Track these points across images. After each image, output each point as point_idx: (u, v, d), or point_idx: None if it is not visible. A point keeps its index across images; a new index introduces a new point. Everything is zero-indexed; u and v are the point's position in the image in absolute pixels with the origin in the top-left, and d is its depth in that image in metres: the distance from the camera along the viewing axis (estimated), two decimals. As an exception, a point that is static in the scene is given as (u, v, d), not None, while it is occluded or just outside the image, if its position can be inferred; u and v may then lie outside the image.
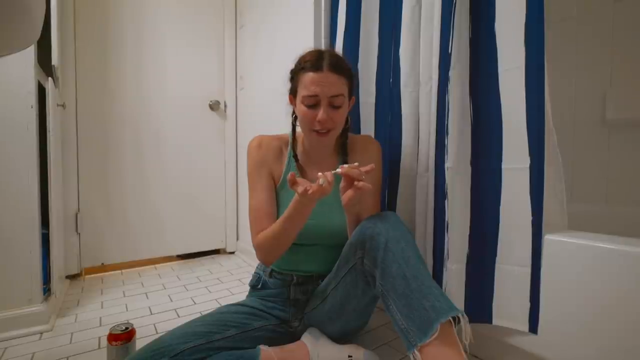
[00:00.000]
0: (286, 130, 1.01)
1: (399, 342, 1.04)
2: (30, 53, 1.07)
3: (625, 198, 1.33)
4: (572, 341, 0.73)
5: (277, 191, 0.96)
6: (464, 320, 0.65)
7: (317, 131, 0.86)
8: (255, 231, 0.90)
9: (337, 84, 0.84)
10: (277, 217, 0.93)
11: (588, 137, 1.43)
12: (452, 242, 0.86)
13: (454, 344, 0.63)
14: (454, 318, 0.64)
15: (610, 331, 0.68)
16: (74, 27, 1.62)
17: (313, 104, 0.85)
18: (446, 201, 0.86)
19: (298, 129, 0.95)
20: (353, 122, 1.20)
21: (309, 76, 0.84)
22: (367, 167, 0.75)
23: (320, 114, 0.83)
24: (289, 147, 0.98)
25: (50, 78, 1.23)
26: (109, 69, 1.72)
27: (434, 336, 0.62)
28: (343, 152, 0.97)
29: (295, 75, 0.89)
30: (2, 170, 1.05)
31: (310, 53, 0.87)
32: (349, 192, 0.75)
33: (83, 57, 1.65)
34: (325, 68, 0.83)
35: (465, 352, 0.64)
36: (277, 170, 0.96)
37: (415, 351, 0.63)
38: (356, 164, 0.76)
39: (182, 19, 1.90)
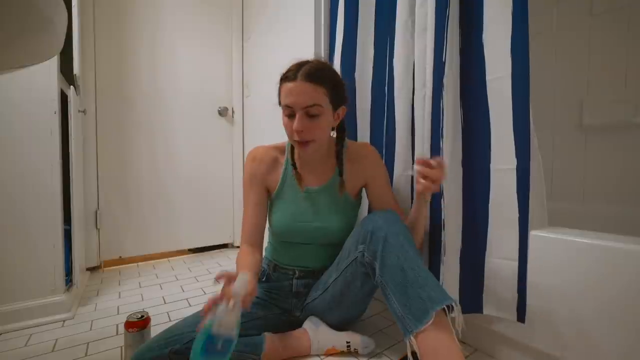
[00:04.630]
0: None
1: (393, 329, 1.04)
2: (53, 63, 1.07)
3: (601, 197, 1.33)
4: (553, 328, 0.73)
5: (273, 199, 0.94)
6: (457, 309, 0.64)
7: (298, 142, 0.82)
8: (241, 236, 0.91)
9: (311, 94, 0.78)
10: (271, 223, 0.95)
11: (566, 141, 1.43)
12: (448, 239, 0.85)
13: (448, 331, 0.63)
14: (448, 307, 0.64)
15: (585, 317, 0.68)
16: (94, 39, 1.62)
17: (290, 114, 0.81)
18: (442, 200, 0.85)
19: None
20: (350, 126, 1.20)
21: (286, 87, 0.80)
22: (437, 161, 0.74)
23: (295, 123, 0.79)
24: (286, 155, 0.94)
25: (72, 86, 1.23)
26: (126, 78, 1.72)
27: (428, 323, 0.62)
28: (339, 161, 0.93)
29: (279, 86, 0.84)
30: (28, 172, 1.05)
31: (294, 64, 0.81)
32: (424, 186, 0.75)
33: (102, 67, 1.65)
34: (299, 78, 0.77)
35: (458, 338, 0.64)
36: (272, 180, 0.93)
37: (411, 337, 0.63)
38: (427, 158, 0.76)
39: (194, 31, 1.90)
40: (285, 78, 0.81)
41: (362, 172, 0.93)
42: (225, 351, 0.58)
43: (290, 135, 0.84)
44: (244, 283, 0.64)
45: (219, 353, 0.57)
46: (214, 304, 0.61)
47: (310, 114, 0.79)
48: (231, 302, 0.59)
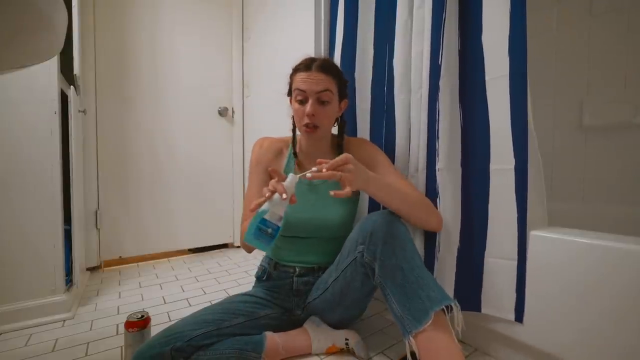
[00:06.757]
0: (287, 134, 1.01)
1: (392, 329, 1.04)
2: (54, 63, 1.07)
3: (600, 196, 1.33)
4: (553, 328, 0.73)
5: None
6: (457, 309, 0.64)
7: (306, 126, 0.87)
8: (243, 218, 0.93)
9: (324, 81, 0.86)
10: None
11: (566, 141, 1.43)
12: (444, 237, 0.86)
13: (447, 331, 0.63)
14: (447, 307, 0.64)
15: (586, 317, 0.68)
16: (94, 39, 1.62)
17: (303, 99, 0.87)
18: (438, 199, 0.86)
19: (298, 132, 0.95)
20: (350, 126, 1.20)
21: (300, 75, 0.88)
22: (324, 164, 0.70)
23: (308, 107, 0.85)
24: (290, 146, 0.99)
25: (72, 86, 1.23)
26: (126, 78, 1.72)
27: (427, 323, 0.62)
28: (339, 152, 0.96)
29: (291, 77, 0.92)
30: (28, 172, 1.05)
31: (304, 59, 0.91)
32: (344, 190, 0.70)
33: (102, 67, 1.65)
34: (313, 67, 0.86)
35: (458, 338, 0.64)
36: (277, 168, 0.95)
37: (411, 337, 0.63)
38: (322, 166, 0.70)
39: (194, 31, 1.90)
40: (298, 68, 0.89)
41: (361, 160, 0.91)
42: (273, 237, 0.66)
43: (300, 120, 0.89)
44: (294, 179, 0.69)
45: (268, 237, 0.65)
46: (266, 197, 0.68)
47: (322, 100, 0.87)
48: (283, 195, 0.66)
